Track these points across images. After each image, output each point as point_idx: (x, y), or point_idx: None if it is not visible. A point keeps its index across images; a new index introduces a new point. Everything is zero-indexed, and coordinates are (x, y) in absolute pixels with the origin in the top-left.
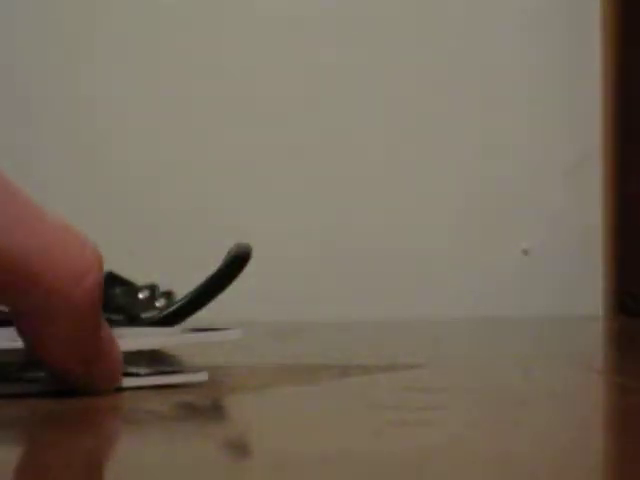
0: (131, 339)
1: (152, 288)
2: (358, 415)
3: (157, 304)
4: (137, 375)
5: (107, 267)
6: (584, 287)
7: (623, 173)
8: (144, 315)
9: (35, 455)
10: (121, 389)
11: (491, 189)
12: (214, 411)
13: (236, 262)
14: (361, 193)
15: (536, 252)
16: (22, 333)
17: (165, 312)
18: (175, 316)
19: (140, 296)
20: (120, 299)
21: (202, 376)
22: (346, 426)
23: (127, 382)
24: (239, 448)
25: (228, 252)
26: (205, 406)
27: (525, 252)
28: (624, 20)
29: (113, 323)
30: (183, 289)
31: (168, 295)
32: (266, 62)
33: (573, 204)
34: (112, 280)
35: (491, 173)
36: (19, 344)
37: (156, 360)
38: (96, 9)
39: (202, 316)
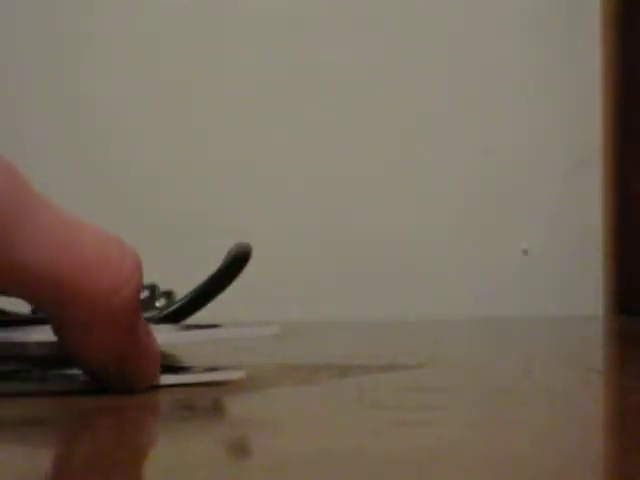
0: (166, 334)
1: (152, 288)
2: (358, 415)
3: (157, 304)
4: (189, 370)
5: None
6: (584, 287)
7: (623, 173)
8: (144, 315)
9: (36, 455)
10: (157, 387)
11: (491, 189)
12: (214, 411)
13: (236, 262)
14: (361, 193)
15: (536, 252)
16: (59, 337)
17: (165, 312)
18: (175, 316)
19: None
20: None
21: (239, 374)
22: (346, 426)
23: (164, 380)
24: (239, 448)
25: (228, 252)
26: (205, 406)
27: (525, 252)
28: (624, 20)
29: None
30: (183, 289)
31: (168, 295)
32: (266, 62)
33: (573, 204)
34: None
35: (491, 173)
36: (52, 337)
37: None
38: (96, 9)
39: (202, 316)
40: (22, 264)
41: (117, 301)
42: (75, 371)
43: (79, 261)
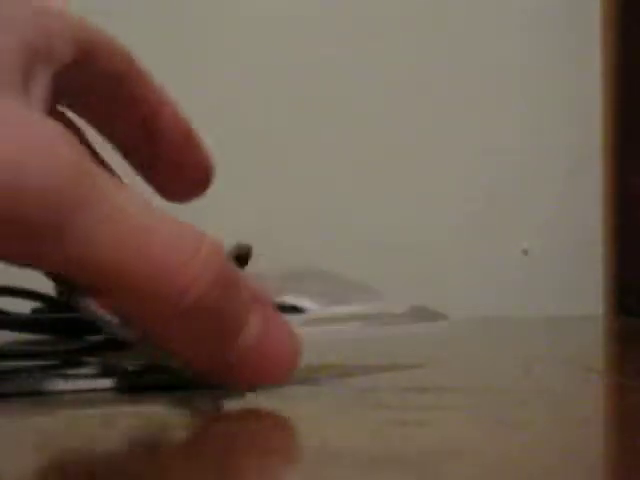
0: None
1: None
2: (358, 415)
3: None
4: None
5: None
6: (584, 287)
7: (623, 173)
8: None
9: (36, 455)
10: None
11: (491, 189)
12: (214, 411)
13: (236, 262)
14: (362, 193)
15: (536, 252)
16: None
17: None
18: None
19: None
20: None
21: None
22: (346, 426)
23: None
24: (240, 448)
25: (228, 252)
26: (205, 406)
27: (525, 252)
28: (624, 20)
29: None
30: None
31: None
32: (266, 62)
33: (573, 204)
34: None
35: (491, 173)
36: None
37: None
38: (96, 9)
39: None
40: (79, 259)
41: (189, 300)
42: (79, 371)
43: (143, 264)
